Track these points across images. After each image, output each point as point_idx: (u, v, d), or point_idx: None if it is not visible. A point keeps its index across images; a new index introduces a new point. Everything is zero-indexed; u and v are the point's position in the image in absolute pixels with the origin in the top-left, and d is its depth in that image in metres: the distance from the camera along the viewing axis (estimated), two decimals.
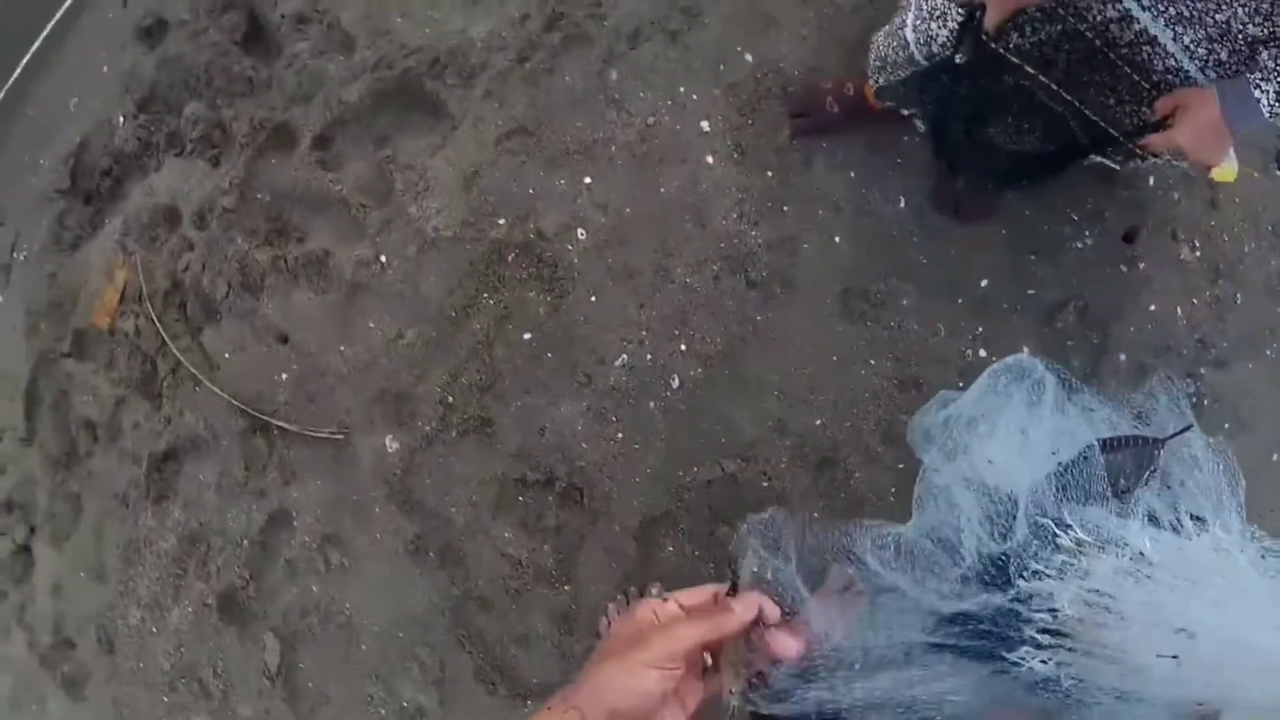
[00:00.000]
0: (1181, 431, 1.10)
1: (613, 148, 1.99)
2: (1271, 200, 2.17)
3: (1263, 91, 1.35)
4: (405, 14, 2.18)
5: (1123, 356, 1.99)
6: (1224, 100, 1.41)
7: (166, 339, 2.21)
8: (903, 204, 1.97)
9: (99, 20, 2.71)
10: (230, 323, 2.18)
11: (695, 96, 2.00)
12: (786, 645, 0.75)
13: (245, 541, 2.13)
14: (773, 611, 0.75)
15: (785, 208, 1.95)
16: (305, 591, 2.09)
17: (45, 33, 2.71)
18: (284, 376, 2.11)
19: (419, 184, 2.05)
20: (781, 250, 1.93)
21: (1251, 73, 1.37)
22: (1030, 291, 1.98)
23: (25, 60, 2.77)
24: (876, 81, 1.78)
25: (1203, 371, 2.04)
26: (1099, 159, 1.75)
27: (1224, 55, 1.45)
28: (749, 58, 2.03)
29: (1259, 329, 2.08)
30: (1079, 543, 0.92)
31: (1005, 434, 1.13)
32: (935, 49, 1.58)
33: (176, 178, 2.32)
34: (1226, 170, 1.79)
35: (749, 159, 1.97)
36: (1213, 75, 1.49)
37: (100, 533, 2.37)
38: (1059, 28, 1.53)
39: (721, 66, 2.02)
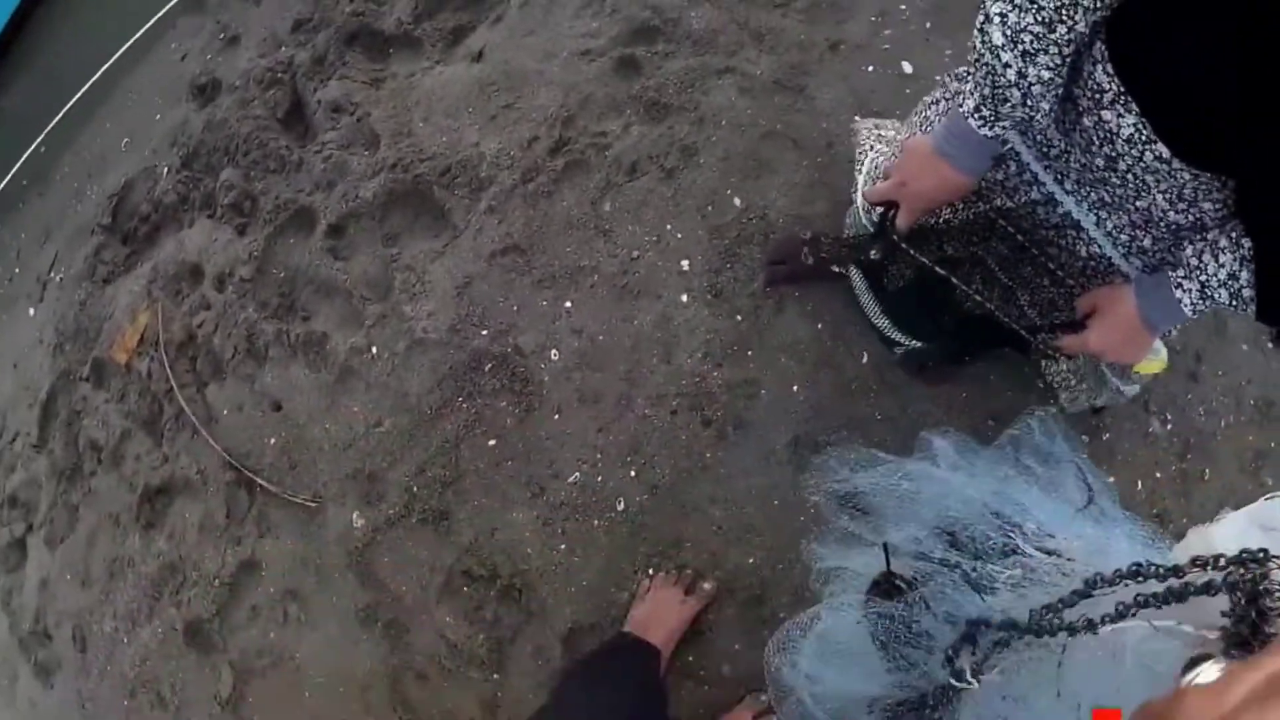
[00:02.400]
0: None
1: (596, 276, 2.24)
2: (1259, 374, 2.28)
3: (1185, 290, 1.30)
4: (427, 119, 2.48)
5: None
6: (1143, 300, 1.40)
7: (175, 386, 2.51)
8: (865, 359, 2.17)
9: (159, 67, 3.07)
10: (233, 383, 2.47)
11: (680, 235, 2.24)
12: None
13: (217, 581, 2.40)
14: None
15: (750, 352, 2.16)
16: (263, 635, 2.34)
17: (108, 65, 3.10)
18: (272, 441, 2.39)
19: (416, 286, 2.33)
20: (740, 393, 2.14)
21: (1174, 269, 1.33)
22: None
23: (86, 87, 3.16)
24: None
25: None
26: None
27: (1147, 242, 1.45)
28: (737, 201, 2.26)
29: (1225, 504, 2.13)
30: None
31: None
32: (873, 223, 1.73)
33: (205, 238, 2.64)
34: (1152, 363, 1.88)
35: (722, 301, 2.19)
36: (1136, 264, 1.48)
37: (92, 544, 2.67)
38: (980, 220, 1.65)
39: (710, 208, 2.26)
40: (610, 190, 2.30)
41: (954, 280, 1.67)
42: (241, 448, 2.43)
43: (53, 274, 3.01)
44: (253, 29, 3.02)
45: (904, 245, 1.65)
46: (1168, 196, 1.29)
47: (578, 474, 2.15)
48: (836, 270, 2.05)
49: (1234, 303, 1.27)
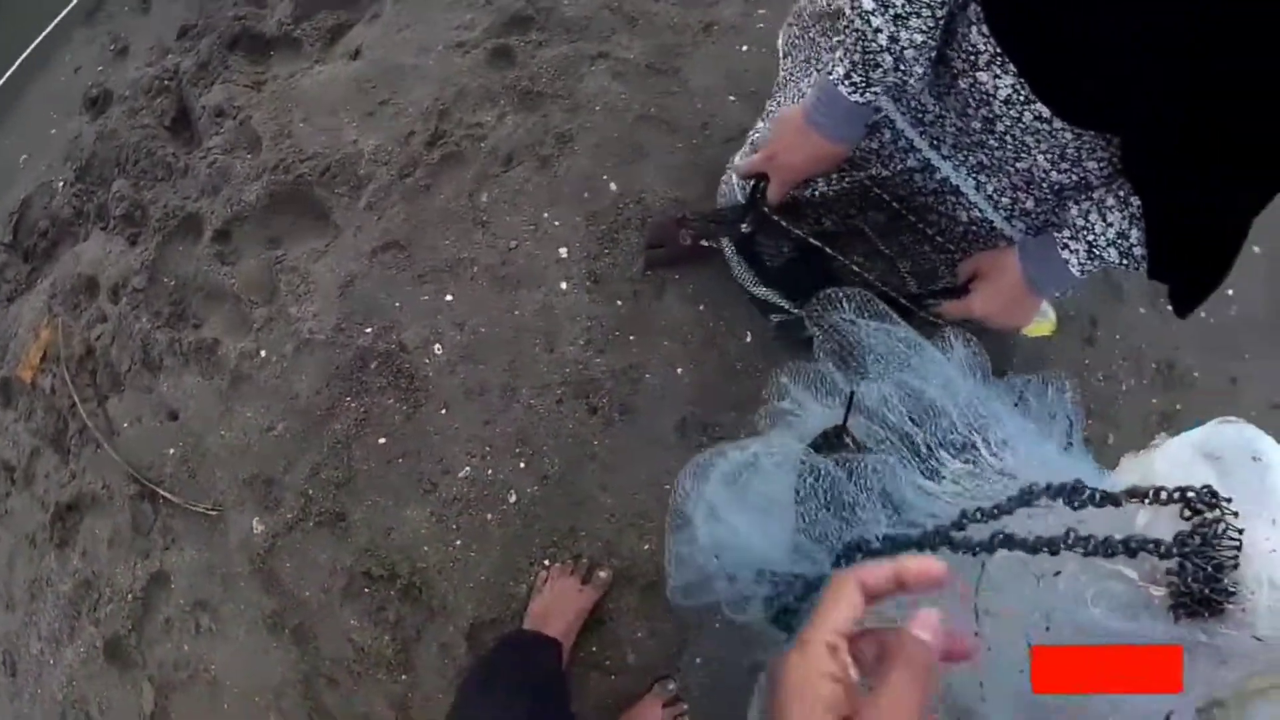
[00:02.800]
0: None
1: (475, 268, 2.25)
2: (1158, 337, 2.28)
3: (1072, 251, 1.30)
4: (307, 119, 2.49)
5: None
6: (1027, 264, 1.40)
7: (77, 401, 2.52)
8: (749, 338, 2.19)
9: (55, 80, 3.07)
10: (131, 395, 2.49)
11: (558, 223, 2.26)
12: None
13: (130, 595, 2.41)
14: None
15: (632, 337, 2.17)
16: (179, 648, 2.36)
17: (2, 80, 3.13)
18: (171, 451, 2.40)
19: (301, 287, 2.34)
20: (624, 378, 2.15)
21: (1059, 230, 1.33)
22: None
23: None
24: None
25: None
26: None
27: (1030, 204, 1.45)
28: (614, 187, 2.28)
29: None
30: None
31: None
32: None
33: (100, 250, 2.64)
34: (1041, 325, 1.89)
35: (602, 287, 2.20)
36: (1020, 226, 1.49)
37: (12, 566, 2.69)
38: (856, 190, 1.64)
39: (586, 194, 2.27)
40: (487, 181, 2.31)
41: (829, 252, 1.67)
42: (143, 460, 2.44)
43: None
44: (141, 38, 3.03)
45: (775, 218, 1.65)
46: (1049, 157, 1.30)
47: (468, 468, 2.16)
48: (707, 244, 2.06)
49: (1124, 261, 1.27)
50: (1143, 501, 0.81)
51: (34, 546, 2.64)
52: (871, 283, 1.67)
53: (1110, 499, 0.83)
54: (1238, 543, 0.75)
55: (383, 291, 2.29)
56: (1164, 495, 0.80)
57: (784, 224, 1.66)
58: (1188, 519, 0.78)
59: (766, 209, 1.63)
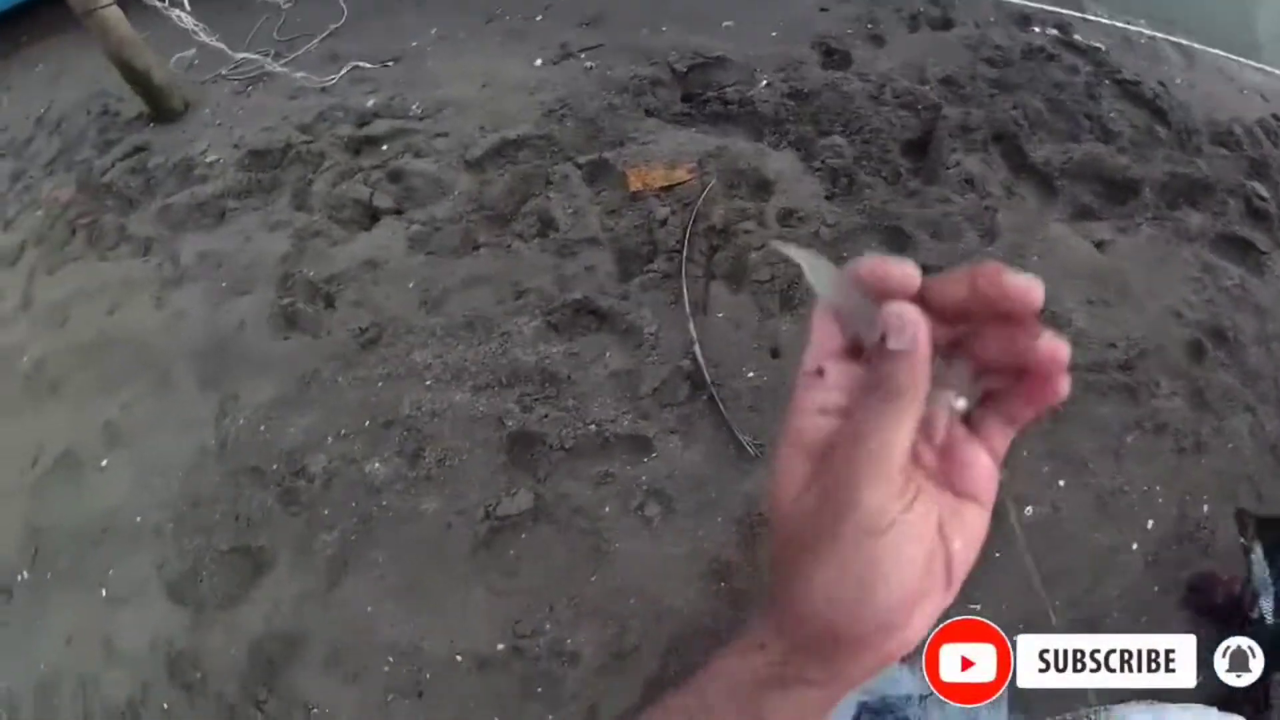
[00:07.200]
0: None
1: None
2: None
3: None
4: (1040, 257, 3.53)
5: None
6: None
7: (684, 250, 3.21)
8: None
9: None
10: (746, 297, 3.15)
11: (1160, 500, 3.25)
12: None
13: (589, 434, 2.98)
14: None
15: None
16: (600, 506, 2.90)
17: None
18: (750, 373, 3.05)
19: None
20: None
21: None
22: None
23: None
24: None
25: None
26: None
27: None
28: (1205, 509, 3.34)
29: None
30: None
31: None
32: None
33: (792, 169, 3.41)
34: None
35: (1153, 568, 3.09)
36: None
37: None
38: None
39: (1187, 497, 3.31)
40: None
41: None
42: (714, 353, 3.08)
43: (586, 60, 3.79)
44: (900, 43, 3.98)
45: None
46: None
47: None
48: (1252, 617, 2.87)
49: None
50: None
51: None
52: None
53: None
54: None
55: None
56: None
57: None
58: None
59: None
